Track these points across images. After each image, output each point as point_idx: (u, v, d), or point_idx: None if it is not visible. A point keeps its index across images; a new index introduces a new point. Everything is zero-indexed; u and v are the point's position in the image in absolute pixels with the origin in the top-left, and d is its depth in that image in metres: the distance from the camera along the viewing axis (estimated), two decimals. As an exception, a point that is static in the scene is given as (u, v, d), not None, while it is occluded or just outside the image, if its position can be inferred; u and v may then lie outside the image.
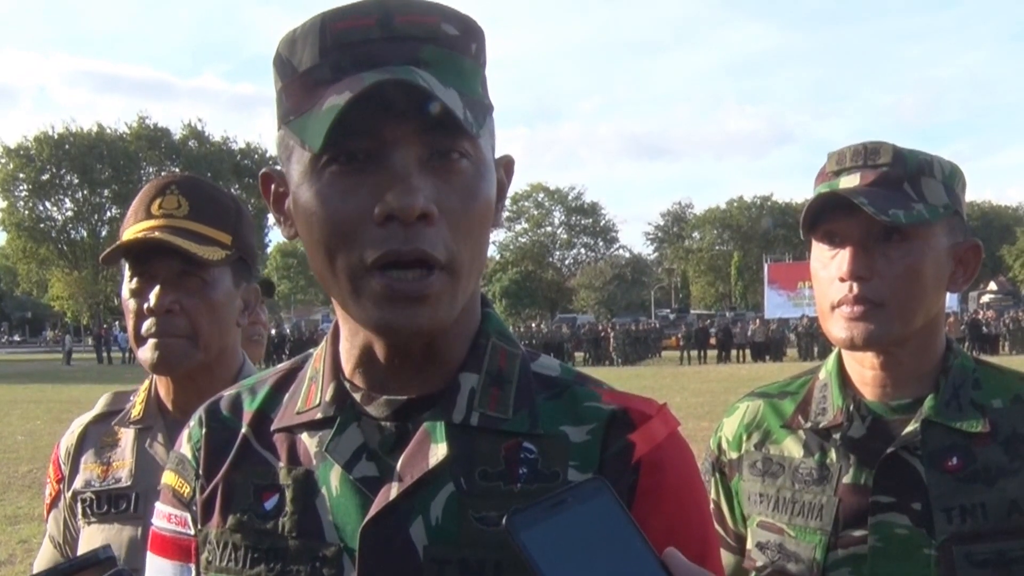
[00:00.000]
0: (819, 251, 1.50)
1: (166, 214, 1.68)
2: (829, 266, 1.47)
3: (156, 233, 1.64)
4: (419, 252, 0.88)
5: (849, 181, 1.46)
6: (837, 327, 1.45)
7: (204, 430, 1.07)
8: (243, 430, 1.05)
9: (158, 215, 1.68)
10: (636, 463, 0.95)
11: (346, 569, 0.93)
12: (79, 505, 1.75)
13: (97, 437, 1.79)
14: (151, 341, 1.67)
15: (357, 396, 1.00)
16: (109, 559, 0.99)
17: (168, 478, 1.09)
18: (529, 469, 0.95)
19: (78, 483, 1.76)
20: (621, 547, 0.75)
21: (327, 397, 1.00)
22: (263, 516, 0.99)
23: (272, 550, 0.97)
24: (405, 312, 0.89)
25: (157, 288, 1.66)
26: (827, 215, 1.45)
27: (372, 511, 0.93)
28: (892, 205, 1.39)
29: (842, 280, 1.43)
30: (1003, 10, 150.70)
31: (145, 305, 1.67)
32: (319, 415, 1.00)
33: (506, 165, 1.03)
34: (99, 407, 1.85)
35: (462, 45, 0.92)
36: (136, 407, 1.78)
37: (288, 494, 0.98)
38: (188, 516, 1.05)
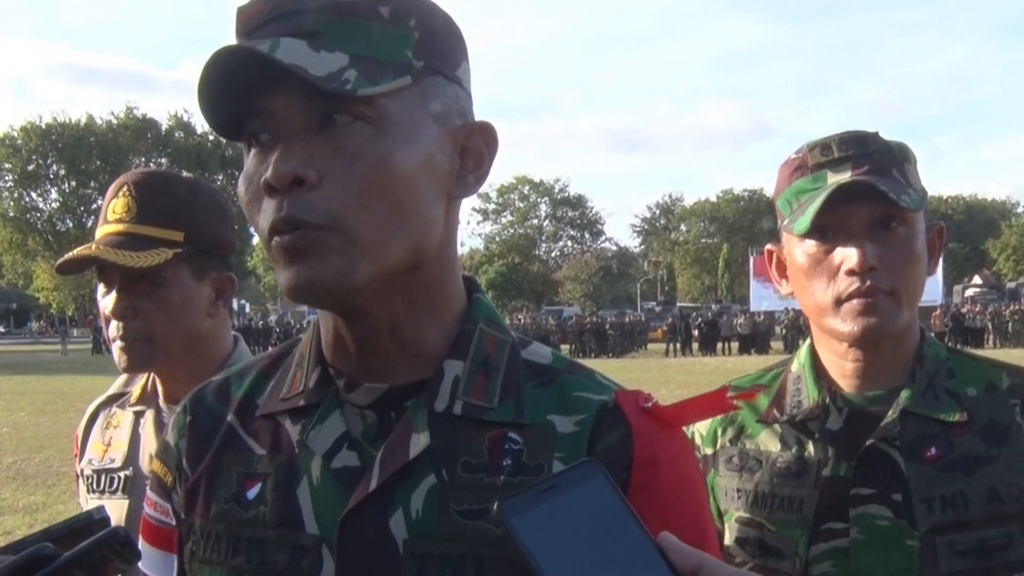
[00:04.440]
0: (808, 247, 1.44)
1: (118, 219, 1.73)
2: (827, 260, 1.42)
3: (93, 248, 1.69)
4: (290, 218, 0.87)
5: (840, 172, 1.42)
6: (846, 321, 1.41)
7: (188, 418, 1.06)
8: (229, 417, 1.03)
9: (112, 220, 1.74)
10: (629, 459, 0.92)
11: (325, 560, 0.92)
12: (83, 482, 1.83)
13: (105, 418, 1.88)
14: (117, 344, 1.72)
15: (341, 383, 0.98)
16: (103, 519, 0.98)
17: (154, 465, 1.08)
18: (513, 461, 0.92)
19: (84, 461, 1.85)
20: (615, 531, 0.73)
21: (311, 384, 0.99)
22: (245, 505, 0.97)
23: (252, 540, 0.95)
24: (293, 268, 0.88)
25: (112, 294, 1.72)
26: (826, 208, 1.39)
27: (351, 503, 0.91)
28: (895, 191, 1.37)
29: (850, 273, 1.39)
30: (984, 5, 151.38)
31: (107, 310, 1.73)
32: (302, 402, 0.98)
33: (481, 130, 0.98)
34: (112, 388, 1.93)
35: (363, 10, 0.89)
36: (136, 391, 1.85)
37: (270, 483, 0.97)
38: (169, 506, 1.04)
